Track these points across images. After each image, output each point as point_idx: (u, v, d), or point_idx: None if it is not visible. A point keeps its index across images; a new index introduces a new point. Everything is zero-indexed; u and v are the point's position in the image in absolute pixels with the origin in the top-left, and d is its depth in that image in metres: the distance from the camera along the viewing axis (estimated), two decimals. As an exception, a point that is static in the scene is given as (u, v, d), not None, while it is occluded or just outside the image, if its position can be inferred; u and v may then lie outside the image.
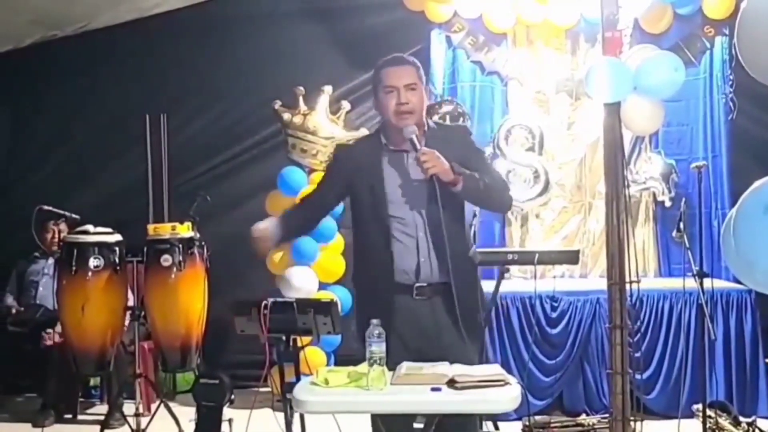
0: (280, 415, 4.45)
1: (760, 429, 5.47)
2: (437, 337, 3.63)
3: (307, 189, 6.52)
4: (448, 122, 6.38)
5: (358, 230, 3.82)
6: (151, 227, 5.33)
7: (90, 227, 5.28)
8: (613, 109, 4.69)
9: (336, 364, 6.43)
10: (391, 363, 3.32)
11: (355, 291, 3.96)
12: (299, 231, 4.36)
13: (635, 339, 5.47)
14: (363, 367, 3.20)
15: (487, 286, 5.46)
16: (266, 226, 3.83)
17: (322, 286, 6.62)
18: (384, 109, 3.73)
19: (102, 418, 5.70)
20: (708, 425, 5.05)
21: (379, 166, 3.72)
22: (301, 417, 4.51)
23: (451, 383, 3.17)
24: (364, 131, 6.73)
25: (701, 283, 5.01)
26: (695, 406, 5.48)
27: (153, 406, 5.80)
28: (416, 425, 3.65)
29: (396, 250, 3.66)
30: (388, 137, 3.77)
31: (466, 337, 3.64)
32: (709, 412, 5.09)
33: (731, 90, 6.89)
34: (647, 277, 6.93)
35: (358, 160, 3.80)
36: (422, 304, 3.67)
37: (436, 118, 6.98)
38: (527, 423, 5.58)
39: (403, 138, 3.67)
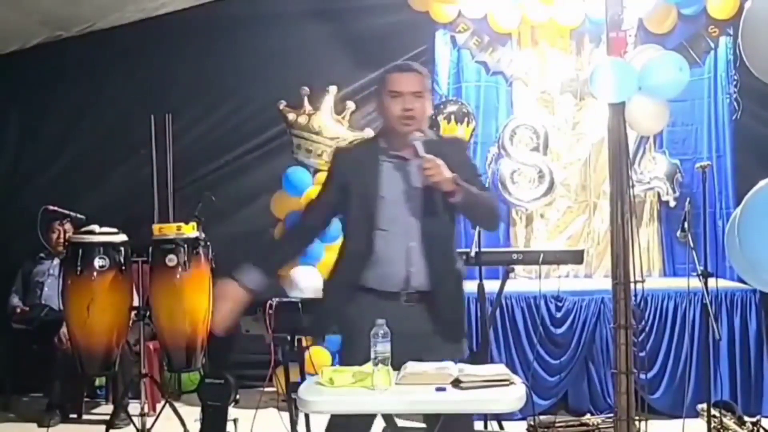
0: (285, 415, 4.46)
1: (764, 428, 5.47)
2: (421, 344, 3.62)
3: (312, 189, 6.53)
4: (452, 123, 6.40)
5: (348, 233, 3.79)
6: (156, 227, 5.33)
7: (95, 227, 5.29)
8: (618, 109, 4.70)
9: (341, 364, 6.44)
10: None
11: (325, 294, 3.90)
12: (305, 245, 4.18)
13: (640, 339, 5.48)
14: (368, 367, 3.21)
15: (492, 285, 5.47)
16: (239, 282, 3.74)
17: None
18: (387, 114, 3.70)
19: (107, 418, 5.70)
20: (712, 425, 5.05)
21: (377, 170, 3.70)
22: (306, 417, 4.52)
23: (456, 383, 3.18)
24: (369, 131, 6.74)
25: (706, 283, 5.01)
26: (700, 406, 5.49)
27: (158, 406, 5.80)
28: (401, 423, 3.66)
29: (383, 256, 3.65)
30: (388, 142, 3.75)
31: (446, 346, 3.66)
32: (713, 411, 5.08)
33: (735, 90, 6.88)
34: (652, 276, 6.93)
35: (356, 163, 3.77)
36: (410, 312, 3.65)
37: (441, 117, 7.03)
38: (532, 423, 5.59)
39: (403, 143, 3.66)
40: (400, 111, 3.65)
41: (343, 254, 3.82)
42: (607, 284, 5.15)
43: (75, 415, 6.49)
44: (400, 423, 3.62)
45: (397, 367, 3.31)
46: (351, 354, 3.63)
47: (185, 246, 5.19)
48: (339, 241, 3.92)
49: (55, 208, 5.94)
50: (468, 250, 5.45)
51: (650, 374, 5.98)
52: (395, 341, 3.52)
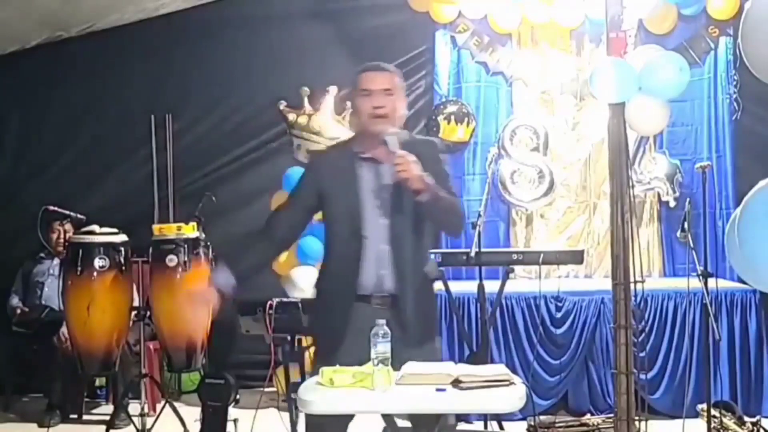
0: (285, 415, 4.47)
1: (764, 429, 5.47)
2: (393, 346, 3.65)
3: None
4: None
5: (331, 237, 3.76)
6: (156, 227, 5.33)
7: (95, 227, 5.29)
8: (618, 110, 4.70)
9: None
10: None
11: (316, 300, 3.87)
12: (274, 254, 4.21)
13: (640, 339, 5.48)
14: (368, 367, 3.20)
15: (492, 286, 5.47)
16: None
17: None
18: (359, 113, 3.72)
19: (107, 418, 5.71)
20: (712, 425, 5.05)
21: (353, 172, 3.69)
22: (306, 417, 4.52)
23: (456, 383, 3.18)
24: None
25: (706, 283, 5.00)
26: (700, 406, 5.49)
27: (158, 406, 5.81)
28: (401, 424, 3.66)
29: (362, 260, 3.64)
30: (361, 143, 3.74)
31: (414, 350, 3.65)
32: (713, 411, 5.08)
33: (735, 90, 6.89)
34: (652, 277, 6.93)
35: (332, 167, 3.75)
36: (381, 315, 3.64)
37: (441, 118, 7.03)
38: (532, 423, 5.59)
39: (376, 144, 3.64)
40: (370, 109, 3.65)
41: (330, 260, 3.79)
42: (607, 284, 5.14)
43: (75, 416, 6.49)
44: (400, 423, 3.61)
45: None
46: (332, 353, 3.60)
47: (185, 246, 5.19)
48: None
49: (56, 208, 5.93)
50: (468, 250, 5.45)
51: (650, 374, 5.97)
52: (366, 344, 3.55)
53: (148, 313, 5.36)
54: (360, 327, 3.58)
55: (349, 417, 3.59)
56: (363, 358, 3.49)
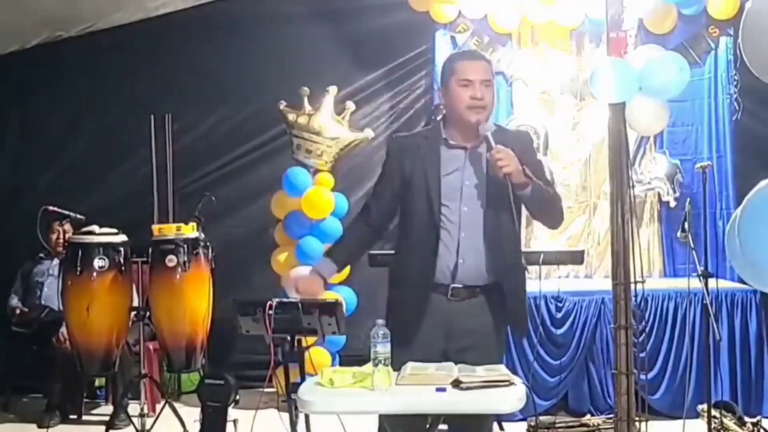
0: (285, 416, 4.45)
1: (765, 429, 5.47)
2: (468, 339, 3.60)
3: (311, 189, 6.53)
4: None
5: (407, 223, 3.73)
6: (155, 228, 5.32)
7: (95, 228, 5.28)
8: (618, 110, 4.70)
9: (341, 364, 6.44)
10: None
11: (390, 290, 3.83)
12: (365, 247, 4.16)
13: (640, 339, 5.48)
14: (368, 368, 3.20)
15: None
16: (315, 271, 3.91)
17: (327, 286, 6.61)
18: (456, 102, 3.65)
19: (107, 418, 5.71)
20: (713, 425, 5.05)
21: (437, 160, 3.65)
22: (306, 417, 4.51)
23: (456, 383, 3.17)
24: (369, 132, 6.74)
25: (706, 283, 5.00)
26: (700, 406, 5.48)
27: (158, 407, 5.81)
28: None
29: (439, 247, 3.61)
30: (450, 131, 3.71)
31: (493, 347, 3.65)
32: (713, 412, 5.08)
33: (736, 90, 6.88)
34: (652, 277, 6.92)
35: (415, 151, 3.71)
36: (456, 306, 3.62)
37: (440, 118, 7.02)
38: (532, 423, 5.58)
39: (468, 133, 3.63)
40: (469, 99, 3.61)
41: (405, 245, 3.75)
42: (607, 285, 5.14)
43: (75, 416, 6.49)
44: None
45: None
46: (406, 347, 3.52)
47: (185, 246, 5.18)
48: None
49: (55, 208, 5.93)
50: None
51: (650, 375, 5.97)
52: (442, 338, 3.50)
53: (148, 313, 5.35)
54: (435, 319, 3.59)
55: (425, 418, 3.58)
56: (436, 353, 3.49)
